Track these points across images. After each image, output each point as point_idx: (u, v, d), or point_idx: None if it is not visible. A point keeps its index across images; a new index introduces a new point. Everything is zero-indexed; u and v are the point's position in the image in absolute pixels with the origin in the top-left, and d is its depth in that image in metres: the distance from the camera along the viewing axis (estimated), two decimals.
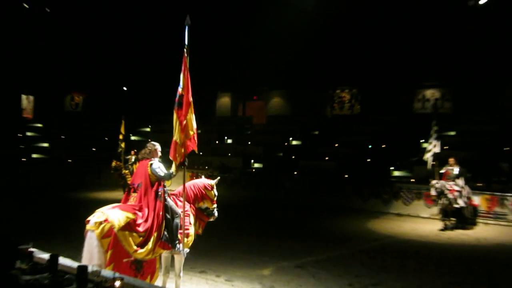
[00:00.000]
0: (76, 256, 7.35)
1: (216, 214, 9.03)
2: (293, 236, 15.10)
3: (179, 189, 8.79)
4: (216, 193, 9.08)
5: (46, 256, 5.66)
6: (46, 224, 15.43)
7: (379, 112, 30.17)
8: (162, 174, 8.22)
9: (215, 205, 9.02)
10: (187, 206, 8.53)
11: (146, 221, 7.91)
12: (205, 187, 8.92)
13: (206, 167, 28.50)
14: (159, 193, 8.14)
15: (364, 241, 14.71)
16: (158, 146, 8.65)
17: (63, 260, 5.71)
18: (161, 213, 7.99)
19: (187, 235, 8.34)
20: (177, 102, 8.03)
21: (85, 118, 38.51)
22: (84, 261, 7.28)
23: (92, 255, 7.39)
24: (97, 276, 5.06)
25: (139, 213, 7.94)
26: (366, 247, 13.87)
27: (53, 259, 5.23)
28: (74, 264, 5.66)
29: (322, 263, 11.75)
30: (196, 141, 8.35)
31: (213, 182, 9.07)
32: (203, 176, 9.59)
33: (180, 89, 8.07)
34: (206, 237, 9.20)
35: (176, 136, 8.05)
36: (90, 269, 5.10)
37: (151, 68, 35.15)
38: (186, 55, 8.13)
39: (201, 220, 8.93)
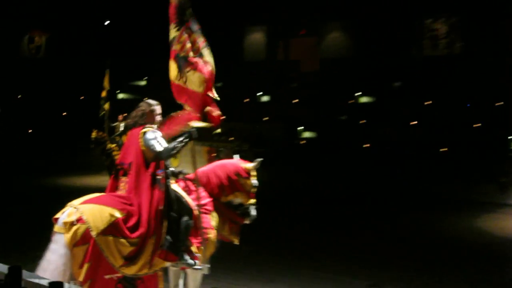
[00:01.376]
0: None
1: (254, 213, 9.04)
2: (365, 241, 15.32)
3: (200, 171, 8.74)
4: (256, 183, 9.05)
5: (3, 268, 5.76)
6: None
7: (489, 52, 29.72)
8: (158, 148, 8.02)
9: (253, 200, 9.02)
10: (207, 199, 8.57)
11: (140, 220, 7.88)
12: (238, 173, 8.89)
13: (230, 139, 28.62)
14: (158, 177, 8.13)
15: (472, 247, 14.79)
16: (156, 107, 8.40)
17: (28, 274, 5.80)
18: (160, 207, 7.97)
19: (205, 244, 8.33)
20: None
21: (51, 68, 38.94)
22: (49, 275, 7.25)
23: (54, 267, 7.44)
24: None
25: (130, 209, 7.91)
26: (475, 256, 13.96)
27: (14, 272, 5.30)
28: (43, 281, 5.75)
29: (409, 280, 11.90)
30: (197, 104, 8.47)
31: (250, 165, 9.02)
32: (237, 156, 9.48)
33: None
34: (234, 245, 9.28)
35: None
36: (67, 287, 5.19)
37: None
38: None
39: (232, 221, 8.93)
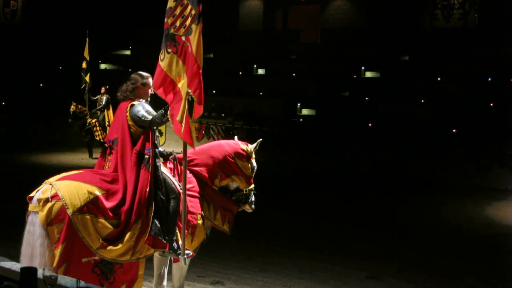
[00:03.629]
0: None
1: (253, 200, 9.05)
2: (364, 229, 15.44)
3: (191, 151, 8.66)
4: (255, 166, 9.09)
5: None
6: None
7: (506, 24, 29.64)
8: (148, 117, 8.07)
9: (252, 186, 9.02)
10: (194, 182, 8.55)
11: (121, 199, 7.92)
12: (237, 155, 8.88)
13: (223, 114, 28.63)
14: (146, 157, 8.07)
15: (478, 236, 14.95)
16: (149, 79, 8.45)
17: None
18: (147, 189, 7.96)
19: (193, 230, 8.34)
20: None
21: (26, 35, 38.75)
22: (24, 260, 7.47)
23: (33, 250, 7.50)
24: (51, 285, 5.25)
25: (111, 187, 7.95)
26: (482, 246, 14.12)
27: None
28: (15, 265, 5.84)
29: (412, 271, 11.99)
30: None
31: (250, 147, 9.06)
32: (235, 138, 9.43)
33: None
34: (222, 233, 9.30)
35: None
36: (41, 273, 5.28)
37: None
38: None
39: (225, 209, 8.84)
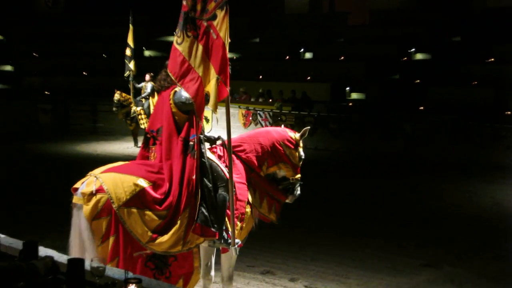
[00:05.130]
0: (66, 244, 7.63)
1: (298, 191, 8.97)
2: (417, 215, 15.28)
3: (238, 137, 8.72)
4: (303, 155, 9.03)
5: (17, 244, 5.86)
6: (12, 197, 15.96)
7: None
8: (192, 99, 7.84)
9: (298, 175, 8.94)
10: (243, 169, 8.51)
11: (169, 190, 7.86)
12: (285, 142, 8.82)
13: (270, 100, 28.64)
14: (191, 143, 8.00)
15: None
16: None
17: (46, 251, 5.90)
18: (193, 176, 7.89)
19: (241, 219, 8.29)
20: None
21: (69, 23, 39.08)
22: (72, 253, 7.47)
23: (83, 243, 7.53)
24: (99, 277, 5.22)
25: (158, 177, 7.91)
26: None
27: (30, 248, 5.39)
28: (62, 257, 5.84)
29: (469, 259, 11.85)
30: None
31: (297, 135, 8.98)
32: (282, 126, 9.35)
33: None
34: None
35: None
36: (88, 265, 5.26)
37: None
38: None
39: (272, 198, 8.78)
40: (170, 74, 7.98)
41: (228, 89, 7.77)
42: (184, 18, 7.87)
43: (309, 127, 9.14)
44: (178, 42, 7.89)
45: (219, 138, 8.52)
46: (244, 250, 8.80)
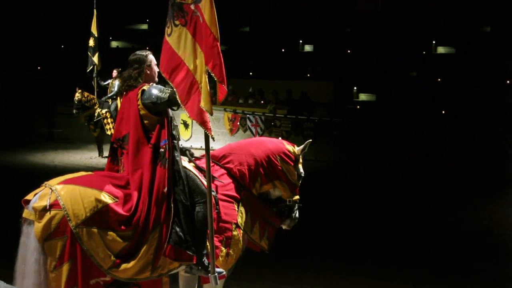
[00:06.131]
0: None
1: (297, 215, 8.96)
2: (433, 239, 15.35)
3: (225, 147, 8.78)
4: (303, 173, 9.03)
5: None
6: None
7: None
8: (163, 95, 7.97)
9: (297, 197, 8.91)
10: (231, 184, 8.49)
11: (136, 206, 7.82)
12: (282, 156, 8.80)
13: (262, 101, 28.64)
14: (161, 150, 8.03)
15: None
16: (150, 56, 8.39)
17: None
18: (165, 189, 7.91)
19: (227, 243, 8.26)
20: None
21: (19, 7, 39.06)
22: (18, 280, 7.49)
23: (26, 266, 7.48)
24: None
25: (125, 193, 7.88)
26: None
27: None
28: None
29: None
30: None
31: (296, 148, 8.98)
32: (279, 139, 9.37)
33: None
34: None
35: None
36: None
37: None
38: None
39: (266, 221, 8.75)
40: (161, 72, 7.98)
41: (223, 85, 7.75)
42: (171, 5, 7.94)
43: (310, 140, 9.13)
44: (168, 34, 7.92)
45: (187, 149, 8.54)
46: (232, 282, 8.81)
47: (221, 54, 7.70)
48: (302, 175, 8.97)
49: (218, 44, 7.70)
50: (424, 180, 21.93)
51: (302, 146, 8.96)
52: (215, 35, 7.67)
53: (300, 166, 8.94)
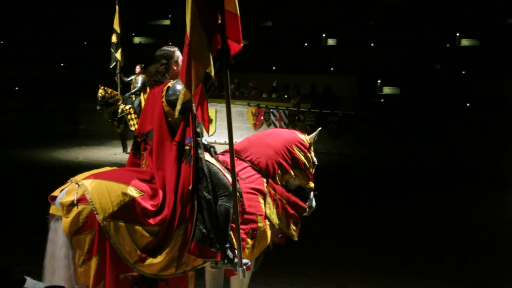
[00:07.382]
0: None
1: (314, 203, 9.07)
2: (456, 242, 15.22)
3: (245, 140, 8.85)
4: (316, 160, 9.13)
5: None
6: None
7: None
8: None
9: (312, 184, 9.02)
10: (255, 176, 8.55)
11: (162, 202, 7.84)
12: (297, 144, 8.90)
13: (286, 96, 28.61)
14: (187, 148, 7.98)
15: None
16: (177, 52, 8.37)
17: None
18: (190, 187, 7.88)
19: (252, 235, 8.29)
20: None
21: (43, 5, 39.17)
22: (47, 275, 7.50)
23: (56, 262, 7.51)
24: None
25: (151, 187, 7.89)
26: None
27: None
28: (37, 285, 5.86)
29: None
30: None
31: (308, 137, 9.08)
32: (295, 130, 9.37)
33: None
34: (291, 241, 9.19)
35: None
36: None
37: None
38: None
39: (293, 209, 8.77)
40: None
41: (241, 43, 7.67)
42: None
43: (320, 128, 9.38)
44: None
45: (212, 147, 8.47)
46: (257, 275, 8.79)
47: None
48: (316, 163, 9.10)
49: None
50: (450, 176, 21.75)
51: (313, 134, 9.12)
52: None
53: (312, 153, 9.05)
